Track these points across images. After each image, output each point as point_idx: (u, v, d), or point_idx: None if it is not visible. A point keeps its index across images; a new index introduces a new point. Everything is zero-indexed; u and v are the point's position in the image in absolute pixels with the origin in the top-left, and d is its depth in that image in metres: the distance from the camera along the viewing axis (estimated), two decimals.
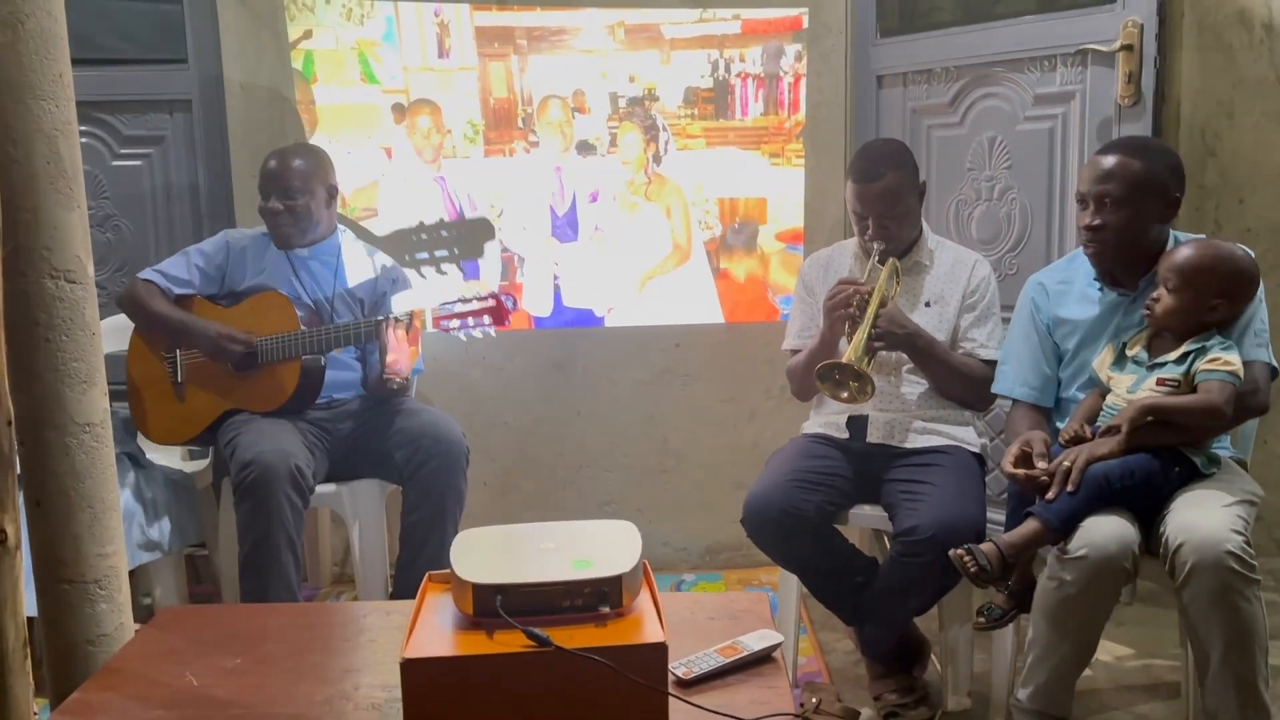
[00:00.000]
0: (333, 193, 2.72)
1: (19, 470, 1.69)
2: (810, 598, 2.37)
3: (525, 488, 3.27)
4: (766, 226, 3.17)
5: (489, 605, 1.26)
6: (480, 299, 2.49)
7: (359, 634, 1.63)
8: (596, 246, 3.17)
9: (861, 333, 2.19)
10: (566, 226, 3.17)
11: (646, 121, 3.11)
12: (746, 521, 2.23)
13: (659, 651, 1.23)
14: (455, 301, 2.51)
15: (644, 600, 1.35)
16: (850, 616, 2.34)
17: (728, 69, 3.09)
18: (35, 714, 1.59)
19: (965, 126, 2.91)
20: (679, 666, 1.38)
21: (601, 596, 1.29)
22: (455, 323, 2.49)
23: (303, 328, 2.55)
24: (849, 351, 2.19)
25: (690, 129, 3.12)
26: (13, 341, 1.63)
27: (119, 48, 3.10)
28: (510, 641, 1.23)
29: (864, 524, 2.38)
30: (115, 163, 3.15)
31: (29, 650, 1.59)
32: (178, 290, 2.65)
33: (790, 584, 2.37)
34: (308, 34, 3.08)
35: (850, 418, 2.36)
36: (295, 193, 2.62)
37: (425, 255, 2.61)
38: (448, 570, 1.34)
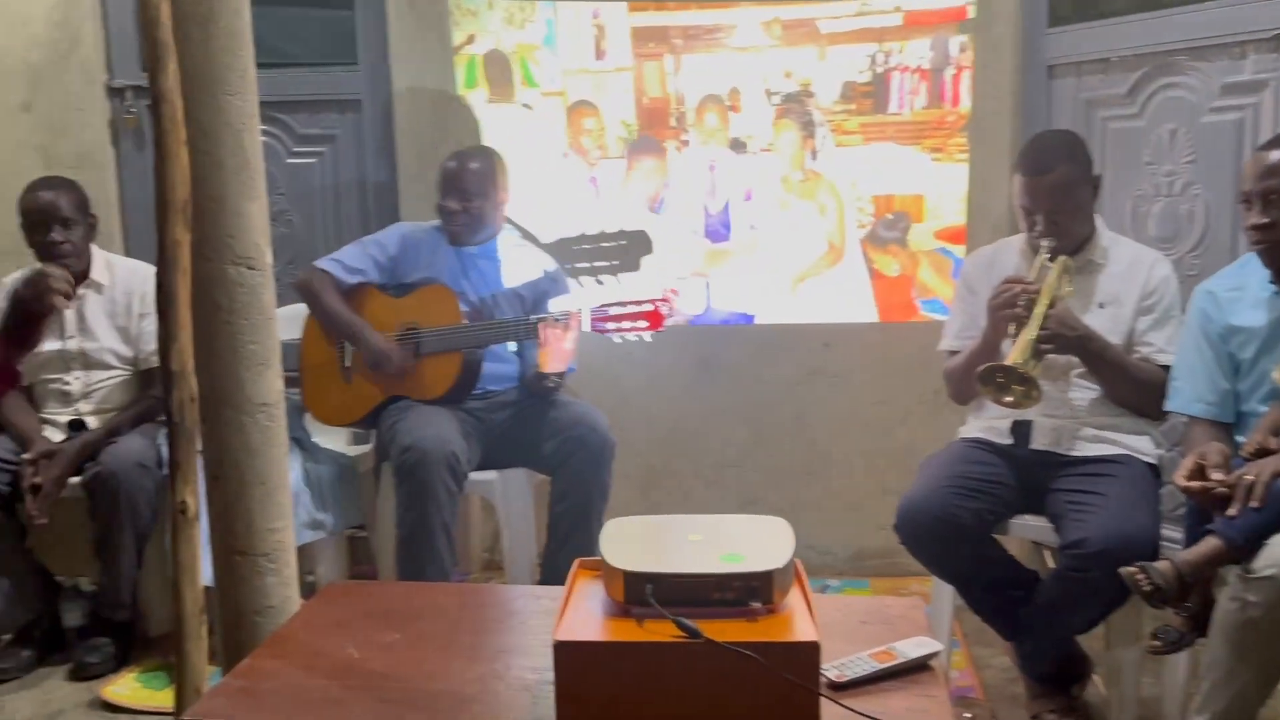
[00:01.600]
0: (504, 196, 2.80)
1: (199, 446, 1.80)
2: (965, 609, 2.27)
3: (669, 484, 3.27)
4: (923, 224, 3.07)
5: (640, 594, 1.26)
6: (638, 304, 2.51)
7: (509, 616, 1.66)
8: (749, 246, 3.14)
9: (1028, 334, 2.09)
10: (719, 226, 3.15)
11: (803, 118, 3.06)
12: (900, 527, 2.16)
13: (811, 651, 1.20)
14: (613, 304, 2.53)
15: (795, 599, 1.32)
16: (1008, 631, 2.23)
17: (886, 62, 3.01)
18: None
19: (1144, 118, 2.74)
20: (831, 669, 1.33)
21: (752, 592, 1.26)
22: (611, 325, 2.52)
23: (465, 322, 2.63)
24: (1014, 353, 2.09)
25: (847, 124, 3.05)
26: (196, 324, 1.73)
27: (295, 51, 3.27)
28: (660, 631, 1.22)
29: (1025, 535, 2.27)
30: (290, 160, 3.31)
31: (205, 617, 1.69)
32: (352, 279, 2.76)
33: (944, 594, 2.28)
34: (470, 39, 3.17)
35: (1014, 422, 2.25)
36: (471, 195, 2.71)
37: (585, 265, 2.65)
38: (598, 557, 1.34)
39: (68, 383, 2.76)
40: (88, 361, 2.76)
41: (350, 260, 2.78)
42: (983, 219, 3.03)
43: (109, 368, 2.77)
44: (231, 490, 1.78)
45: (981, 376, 2.09)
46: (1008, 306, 2.15)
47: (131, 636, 2.69)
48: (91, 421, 2.74)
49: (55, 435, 2.70)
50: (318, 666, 1.45)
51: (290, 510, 1.86)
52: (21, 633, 2.65)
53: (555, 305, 2.70)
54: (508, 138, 3.14)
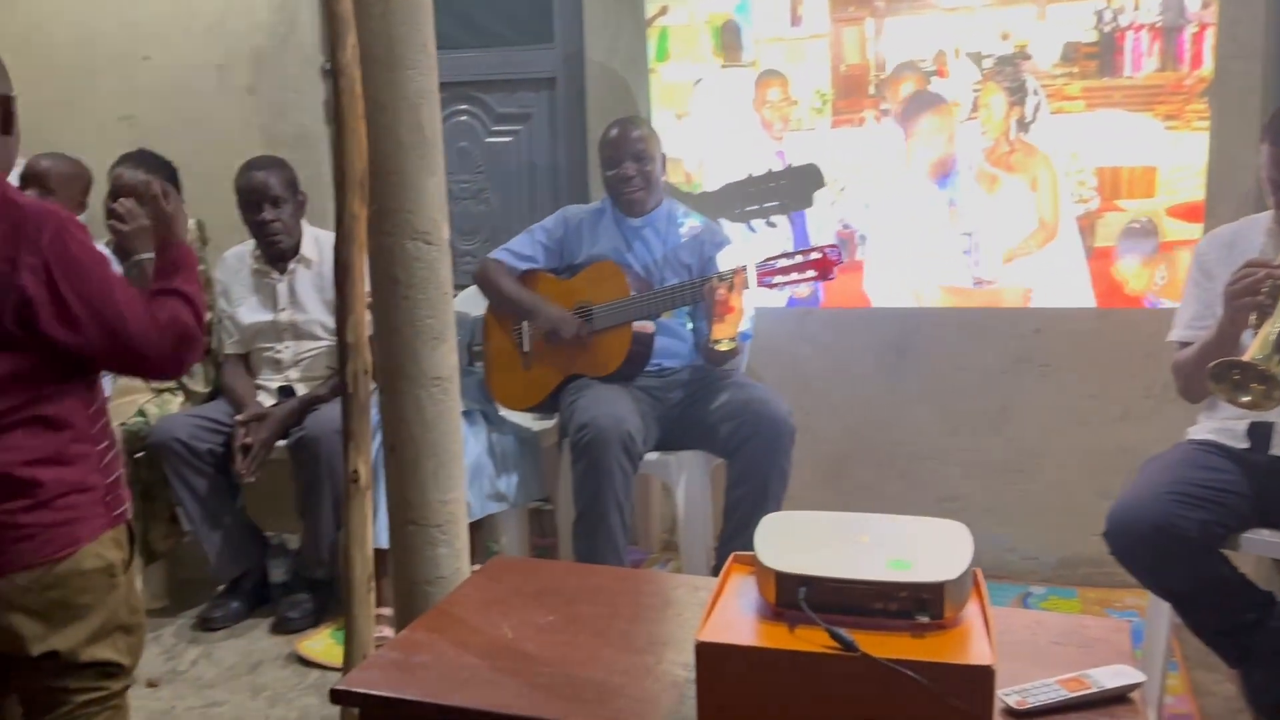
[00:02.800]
0: (664, 163, 2.76)
1: (378, 418, 1.84)
2: (1186, 629, 2.03)
3: (856, 476, 3.11)
4: (1155, 199, 2.76)
5: (791, 596, 1.16)
6: (805, 254, 2.41)
7: (666, 606, 1.60)
8: (949, 224, 2.93)
9: (1272, 326, 1.82)
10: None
11: (1014, 83, 2.81)
12: (1112, 535, 1.94)
13: (984, 676, 1.07)
14: (779, 256, 2.44)
15: (971, 614, 1.18)
16: (1236, 657, 1.98)
17: (1115, 20, 2.72)
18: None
19: None
20: (1010, 695, 1.19)
21: (920, 604, 1.14)
22: (779, 278, 2.42)
23: (633, 293, 2.59)
24: (1254, 348, 1.82)
25: (1068, 89, 2.78)
26: (374, 298, 1.76)
27: (496, 29, 3.32)
28: (812, 639, 1.12)
29: (1261, 551, 2.00)
30: (489, 139, 3.38)
31: (375, 584, 1.72)
32: (523, 266, 2.79)
33: (1161, 611, 2.05)
34: (663, 10, 3.11)
35: (1252, 424, 1.98)
36: (643, 157, 2.67)
37: (754, 207, 2.56)
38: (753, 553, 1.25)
39: (279, 351, 2.93)
40: (298, 332, 2.92)
41: (520, 248, 2.82)
42: (1224, 194, 2.69)
43: (316, 338, 2.91)
44: (406, 461, 1.81)
45: (1214, 373, 1.84)
46: (1249, 294, 1.88)
47: (330, 594, 2.83)
48: (299, 388, 2.90)
49: (267, 400, 2.87)
50: (471, 644, 1.44)
51: (462, 482, 1.88)
52: (232, 585, 2.84)
53: (722, 261, 2.63)
54: (704, 110, 3.07)
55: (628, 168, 2.68)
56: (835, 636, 1.10)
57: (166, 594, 2.89)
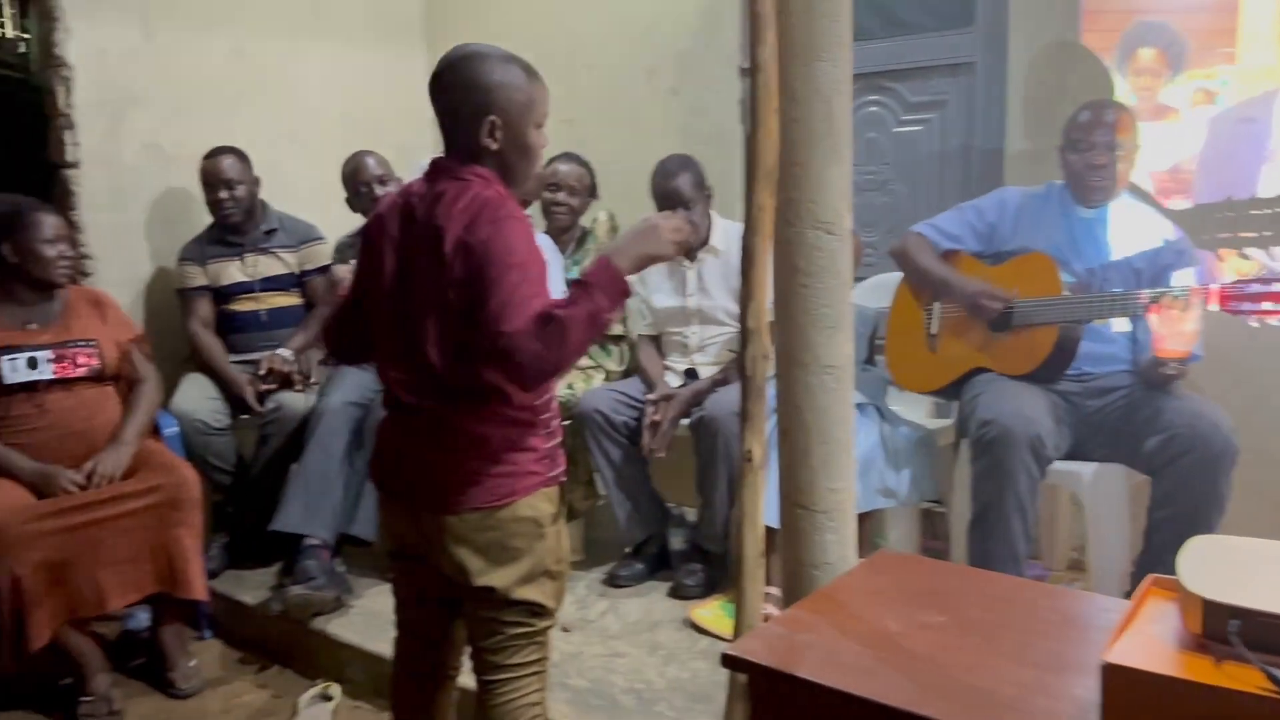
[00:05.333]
0: (1134, 155, 2.54)
1: (774, 402, 1.89)
2: None
3: None
4: None
5: (1221, 628, 1.04)
6: None
7: (1068, 623, 1.49)
8: None
9: None
10: None
11: None
12: None
13: None
14: (1252, 281, 2.13)
15: None
16: None
17: None
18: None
19: None
20: None
21: None
22: (1248, 305, 2.12)
23: (1066, 293, 2.41)
24: None
25: None
26: (776, 285, 1.81)
27: (913, 17, 3.25)
28: (1241, 678, 0.99)
29: None
30: (897, 129, 3.32)
31: (766, 561, 1.78)
32: (946, 244, 2.70)
33: None
34: None
35: None
36: (1115, 147, 2.48)
37: (1227, 235, 2.26)
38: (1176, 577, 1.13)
39: (686, 336, 3.10)
40: (704, 318, 3.08)
41: (947, 225, 2.72)
42: None
43: (721, 324, 3.05)
44: (798, 446, 1.84)
45: None
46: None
47: (722, 567, 2.96)
48: (703, 371, 3.06)
49: (674, 381, 3.07)
50: (854, 631, 1.45)
51: (852, 472, 1.88)
52: (637, 548, 3.07)
53: (1179, 280, 2.35)
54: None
55: (1096, 155, 2.48)
56: (1273, 678, 0.97)
57: (582, 550, 3.18)
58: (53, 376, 2.65)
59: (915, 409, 2.97)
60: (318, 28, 3.84)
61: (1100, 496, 2.42)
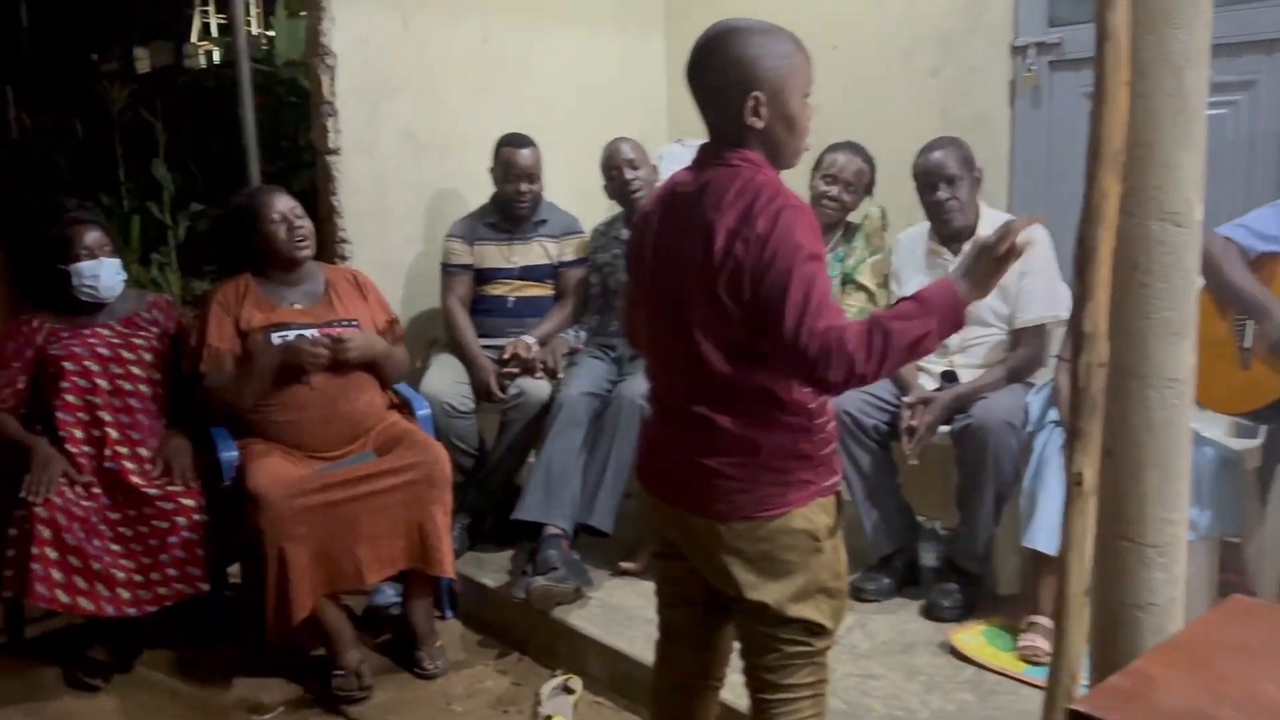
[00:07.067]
0: None
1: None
2: None
3: None
4: None
5: None
6: None
7: None
8: None
9: None
10: None
11: None
12: None
13: None
14: None
15: None
16: None
17: None
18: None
19: None
20: None
21: None
22: None
23: None
24: None
25: None
26: (1112, 284, 1.59)
27: None
28: None
29: None
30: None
31: (1089, 599, 1.57)
32: (1262, 247, 2.39)
33: None
34: None
35: None
36: None
37: None
38: None
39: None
40: (970, 317, 2.84)
41: (1260, 226, 2.41)
42: None
43: (987, 325, 2.82)
44: (1124, 469, 1.62)
45: None
46: None
47: (981, 588, 2.73)
48: (964, 374, 2.83)
49: (928, 383, 2.85)
50: (1224, 693, 1.23)
51: (1187, 501, 1.64)
52: (883, 560, 2.88)
53: None
54: None
55: None
56: None
57: None
58: None
59: (1214, 425, 2.64)
60: (561, 15, 3.83)
61: None
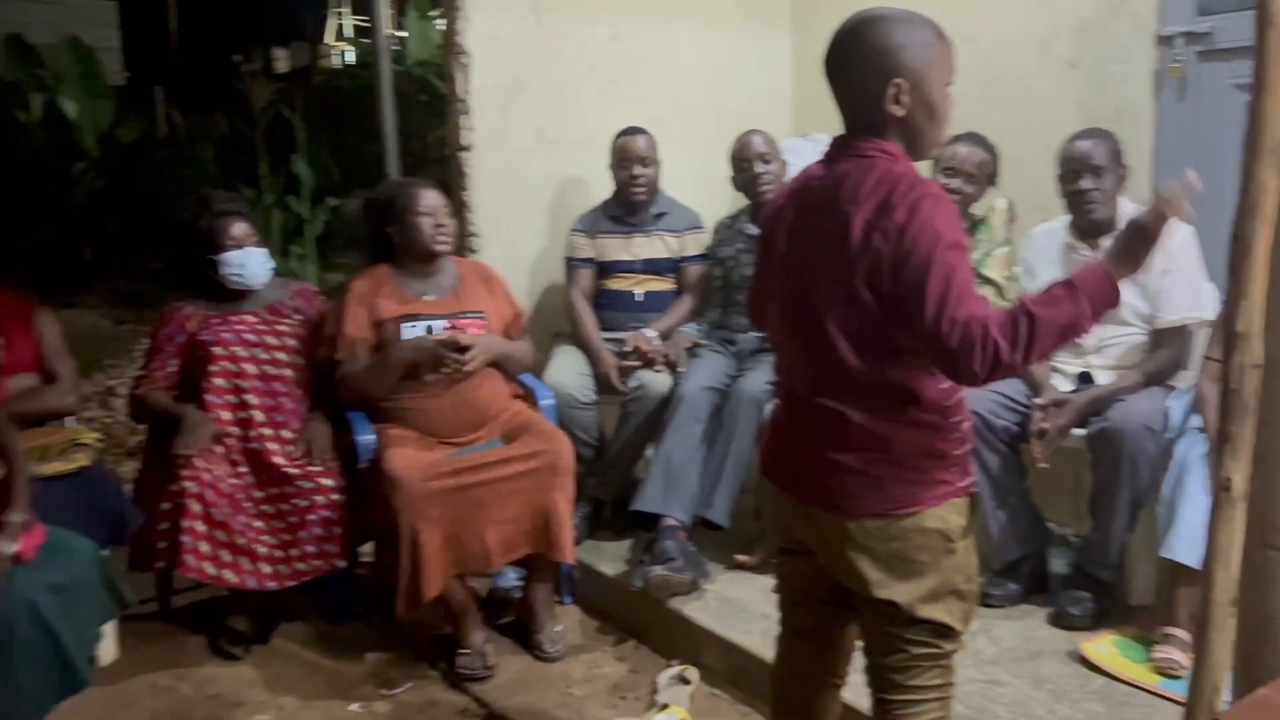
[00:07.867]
0: None
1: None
2: None
3: None
4: None
5: None
6: None
7: None
8: None
9: None
10: None
11: None
12: None
13: None
14: None
15: None
16: None
17: None
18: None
19: None
20: None
21: None
22: None
23: None
24: None
25: None
26: (1273, 279, 1.52)
27: None
28: None
29: None
30: None
31: (1235, 609, 1.51)
32: None
33: None
34: None
35: None
36: None
37: None
38: None
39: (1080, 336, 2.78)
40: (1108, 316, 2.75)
41: None
42: None
43: (1126, 324, 2.72)
44: (1275, 475, 1.55)
45: None
46: None
47: (1112, 597, 2.64)
48: (1100, 376, 2.74)
49: (1063, 384, 2.77)
50: None
51: None
52: (1010, 566, 2.80)
53: None
54: None
55: None
56: None
57: None
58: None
59: None
60: (689, 11, 3.85)
61: None
